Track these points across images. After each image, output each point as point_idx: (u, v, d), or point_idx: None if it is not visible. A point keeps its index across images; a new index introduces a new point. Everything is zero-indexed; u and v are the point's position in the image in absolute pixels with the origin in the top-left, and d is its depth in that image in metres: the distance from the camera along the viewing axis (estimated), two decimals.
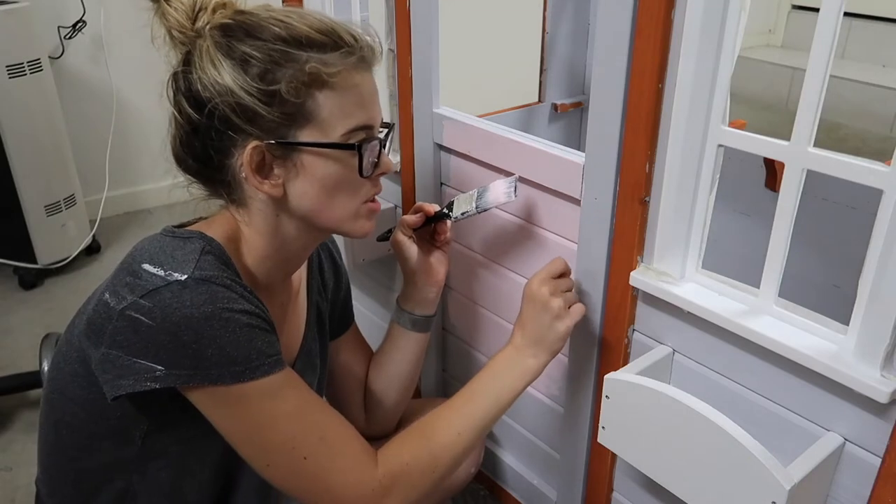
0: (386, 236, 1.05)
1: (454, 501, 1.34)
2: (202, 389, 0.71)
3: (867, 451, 0.74)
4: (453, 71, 1.46)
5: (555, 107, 1.66)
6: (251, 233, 0.80)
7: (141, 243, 0.75)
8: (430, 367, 1.38)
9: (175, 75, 0.76)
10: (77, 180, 2.28)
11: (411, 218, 0.99)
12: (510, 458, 1.31)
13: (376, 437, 1.00)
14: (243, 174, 0.76)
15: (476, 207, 0.97)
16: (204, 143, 0.76)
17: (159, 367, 0.69)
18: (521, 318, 0.90)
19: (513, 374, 0.87)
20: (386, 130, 0.83)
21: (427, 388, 1.42)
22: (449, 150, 1.17)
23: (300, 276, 0.94)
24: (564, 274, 0.91)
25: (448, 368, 1.39)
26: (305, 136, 0.75)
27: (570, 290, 0.90)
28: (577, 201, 0.96)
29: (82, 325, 0.75)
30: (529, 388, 0.92)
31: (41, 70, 2.07)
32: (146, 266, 0.70)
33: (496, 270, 1.16)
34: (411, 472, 0.79)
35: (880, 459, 0.72)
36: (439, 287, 1.02)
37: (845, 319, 0.74)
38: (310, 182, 0.76)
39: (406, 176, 1.27)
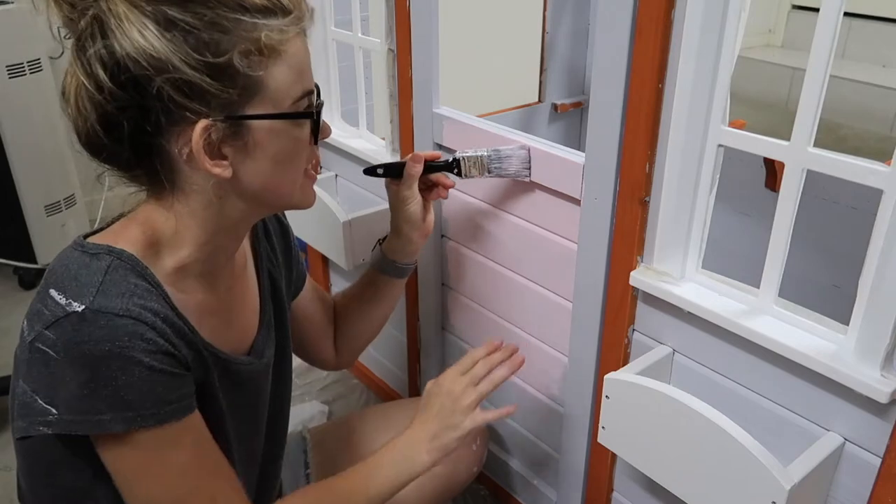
0: (378, 173, 0.99)
1: (455, 502, 1.34)
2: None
3: (867, 451, 0.74)
4: (453, 71, 1.46)
5: (555, 107, 1.66)
6: (185, 222, 0.73)
7: (55, 260, 0.70)
8: (431, 367, 1.39)
9: (82, 47, 0.64)
10: (77, 180, 2.27)
11: (418, 170, 0.97)
12: (510, 459, 1.31)
13: (344, 367, 1.14)
14: (185, 157, 0.67)
15: (488, 172, 1.01)
16: (136, 124, 0.66)
17: (53, 411, 0.65)
18: (427, 410, 0.90)
19: (402, 467, 0.87)
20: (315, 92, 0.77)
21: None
22: (449, 150, 1.17)
23: (244, 250, 0.89)
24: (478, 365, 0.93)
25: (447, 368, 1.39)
26: (256, 109, 0.68)
27: (484, 380, 0.91)
28: (577, 201, 0.96)
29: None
30: (529, 388, 0.92)
31: (41, 70, 2.07)
32: (52, 292, 0.66)
33: (496, 270, 1.16)
34: None
35: (880, 459, 0.72)
36: (427, 237, 1.04)
37: (845, 319, 0.74)
38: (262, 158, 0.71)
39: None
